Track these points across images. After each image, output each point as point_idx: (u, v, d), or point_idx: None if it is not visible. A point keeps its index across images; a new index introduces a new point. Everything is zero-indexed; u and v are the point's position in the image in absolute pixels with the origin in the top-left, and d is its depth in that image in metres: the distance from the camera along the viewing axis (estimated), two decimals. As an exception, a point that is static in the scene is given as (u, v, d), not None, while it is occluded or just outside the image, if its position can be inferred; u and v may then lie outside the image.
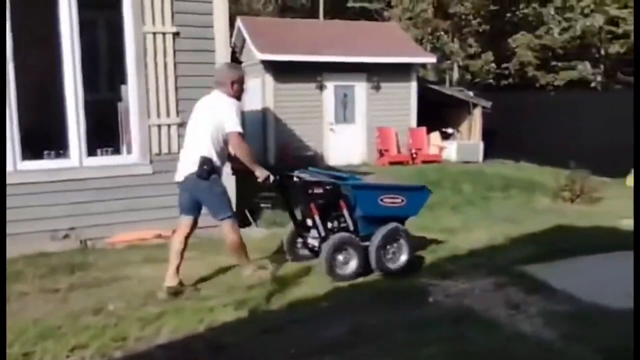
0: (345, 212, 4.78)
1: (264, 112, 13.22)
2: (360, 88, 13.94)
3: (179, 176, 4.28)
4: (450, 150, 14.79)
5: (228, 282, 4.51)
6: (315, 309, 4.09)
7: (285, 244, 5.08)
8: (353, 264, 4.64)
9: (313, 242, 4.83)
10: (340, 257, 4.61)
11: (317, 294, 4.33)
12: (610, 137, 11.82)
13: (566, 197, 8.59)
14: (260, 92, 13.35)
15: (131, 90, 6.07)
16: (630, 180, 10.96)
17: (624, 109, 11.85)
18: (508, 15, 21.12)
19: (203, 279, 4.59)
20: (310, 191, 4.64)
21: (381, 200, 4.84)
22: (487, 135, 15.11)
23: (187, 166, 4.21)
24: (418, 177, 10.97)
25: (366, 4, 23.30)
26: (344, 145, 13.72)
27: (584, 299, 4.36)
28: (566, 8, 19.15)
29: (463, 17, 20.11)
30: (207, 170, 4.11)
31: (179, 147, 5.32)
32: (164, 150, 6.14)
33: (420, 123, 14.44)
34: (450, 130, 15.51)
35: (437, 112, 15.33)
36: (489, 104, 14.87)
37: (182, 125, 5.83)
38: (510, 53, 20.66)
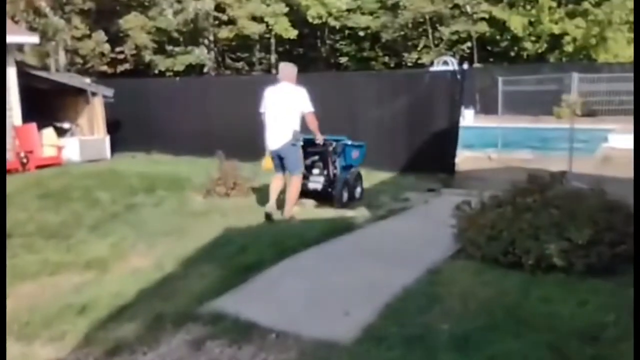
0: (338, 162, 6.98)
1: None
2: None
3: (275, 145, 6.25)
4: (71, 149, 12.37)
5: None
6: None
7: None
8: (346, 195, 7.00)
9: (315, 185, 6.96)
10: (344, 193, 6.97)
11: None
12: (232, 122, 11.62)
13: (221, 192, 7.70)
14: None
15: None
16: (265, 163, 11.00)
17: (237, 93, 11.99)
18: (116, -7, 19.28)
19: None
20: (329, 148, 6.86)
21: (352, 153, 7.27)
22: (112, 127, 13.27)
23: (281, 136, 6.17)
24: (37, 189, 8.48)
25: None
26: None
27: (304, 334, 3.47)
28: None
29: (64, -8, 17.37)
30: (297, 139, 6.20)
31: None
32: None
33: (26, 119, 11.53)
34: (67, 125, 13.03)
35: (46, 105, 12.62)
36: (110, 92, 13.04)
37: None
38: (124, 35, 18.95)
